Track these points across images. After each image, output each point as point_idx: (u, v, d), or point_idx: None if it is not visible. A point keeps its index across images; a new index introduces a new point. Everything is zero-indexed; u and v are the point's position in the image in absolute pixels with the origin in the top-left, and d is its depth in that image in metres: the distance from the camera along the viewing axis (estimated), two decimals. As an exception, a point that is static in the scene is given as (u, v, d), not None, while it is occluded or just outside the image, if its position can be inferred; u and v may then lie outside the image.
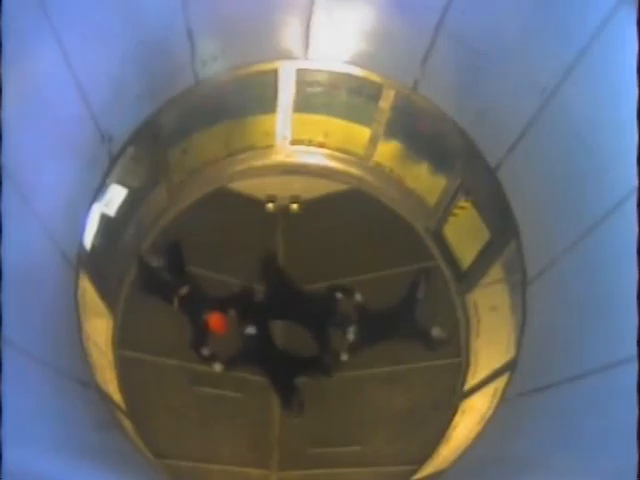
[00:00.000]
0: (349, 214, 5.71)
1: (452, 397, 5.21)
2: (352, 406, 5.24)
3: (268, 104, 5.36)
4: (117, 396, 4.88)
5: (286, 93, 5.26)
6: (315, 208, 5.75)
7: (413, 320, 5.36)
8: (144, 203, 5.27)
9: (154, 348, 5.20)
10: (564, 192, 3.85)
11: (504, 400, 4.37)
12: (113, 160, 4.58)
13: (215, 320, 5.24)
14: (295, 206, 5.76)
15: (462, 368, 5.27)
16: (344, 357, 5.29)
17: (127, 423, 4.76)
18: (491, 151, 4.57)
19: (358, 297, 5.38)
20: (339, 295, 5.41)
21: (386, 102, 5.13)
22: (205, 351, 5.26)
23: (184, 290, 5.31)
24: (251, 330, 5.29)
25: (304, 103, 5.39)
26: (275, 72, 5.04)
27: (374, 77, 4.96)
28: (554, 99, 3.74)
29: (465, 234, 5.31)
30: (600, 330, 3.36)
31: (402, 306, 5.39)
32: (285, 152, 5.81)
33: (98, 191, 4.55)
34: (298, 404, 5.19)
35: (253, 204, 5.72)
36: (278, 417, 5.27)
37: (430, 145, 5.25)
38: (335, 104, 5.39)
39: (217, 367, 5.25)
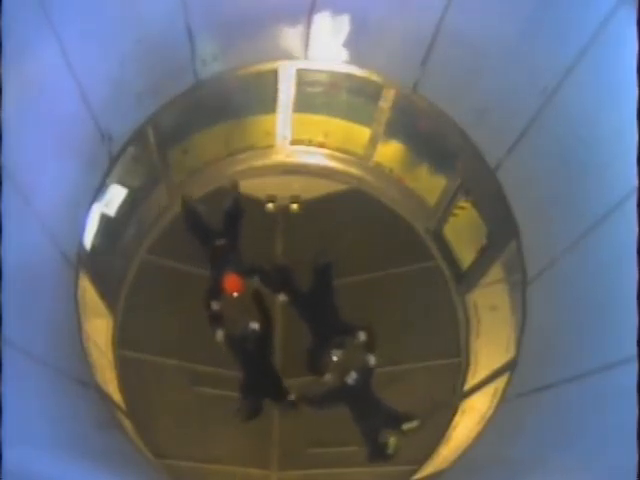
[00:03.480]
0: (349, 214, 5.72)
1: (452, 397, 5.21)
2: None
3: (268, 104, 5.37)
4: (117, 396, 4.88)
5: (286, 93, 5.27)
6: (315, 208, 5.75)
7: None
8: (144, 203, 5.27)
9: (154, 348, 5.20)
10: (564, 192, 3.85)
11: (504, 400, 4.37)
12: (113, 160, 4.59)
13: (231, 280, 5.28)
14: (295, 206, 5.77)
15: (462, 368, 5.27)
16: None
17: (127, 423, 4.76)
18: (491, 151, 4.57)
19: (372, 360, 5.28)
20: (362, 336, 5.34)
21: (386, 102, 5.14)
22: (215, 305, 5.32)
23: (221, 242, 5.37)
24: (254, 325, 5.29)
25: (304, 103, 5.39)
26: (275, 72, 5.04)
27: (374, 77, 4.96)
28: (554, 99, 3.75)
29: (465, 234, 5.31)
30: (600, 330, 3.36)
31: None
32: (285, 152, 5.82)
33: (98, 191, 4.55)
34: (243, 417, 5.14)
35: (253, 204, 5.72)
36: (278, 417, 5.27)
37: (430, 145, 5.25)
38: (335, 104, 5.39)
39: (219, 335, 5.28)
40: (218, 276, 5.34)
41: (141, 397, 5.05)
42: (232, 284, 5.29)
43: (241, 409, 5.12)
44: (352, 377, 5.19)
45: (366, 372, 5.23)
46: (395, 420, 5.12)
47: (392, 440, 5.10)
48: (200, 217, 5.55)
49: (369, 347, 5.30)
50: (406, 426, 5.09)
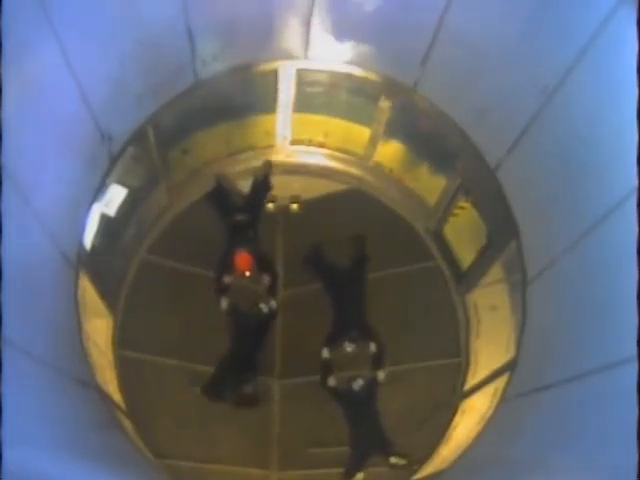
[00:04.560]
0: (349, 214, 5.72)
1: (452, 397, 5.21)
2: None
3: (268, 104, 5.37)
4: (117, 396, 4.88)
5: (286, 93, 5.27)
6: (315, 208, 5.75)
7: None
8: (144, 203, 5.27)
9: (154, 348, 5.20)
10: (564, 192, 3.85)
11: (504, 400, 4.37)
12: (113, 160, 4.59)
13: (242, 258, 5.30)
14: (295, 206, 5.77)
15: (462, 368, 5.27)
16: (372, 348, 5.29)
17: (127, 423, 4.76)
18: (491, 151, 4.57)
19: (381, 376, 5.27)
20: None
21: (386, 102, 5.14)
22: (227, 279, 5.35)
23: (241, 216, 5.41)
24: (264, 307, 5.32)
25: (304, 103, 5.39)
26: (275, 72, 5.04)
27: (374, 77, 4.96)
28: (554, 99, 3.75)
29: (465, 234, 5.31)
30: (600, 330, 3.36)
31: None
32: (285, 152, 5.82)
33: (98, 191, 4.55)
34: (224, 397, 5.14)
35: (253, 204, 5.72)
36: (278, 417, 5.27)
37: (430, 145, 5.25)
38: (335, 104, 5.39)
39: (223, 302, 5.31)
40: (231, 252, 5.37)
41: (141, 397, 5.05)
42: (243, 262, 5.31)
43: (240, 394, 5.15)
44: (358, 384, 5.18)
45: (372, 385, 5.22)
46: (387, 447, 5.08)
47: (359, 475, 5.05)
48: (226, 190, 5.60)
49: (378, 361, 5.28)
50: (394, 459, 5.04)
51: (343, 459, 5.13)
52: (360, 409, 5.17)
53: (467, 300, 5.36)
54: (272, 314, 5.38)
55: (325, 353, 5.30)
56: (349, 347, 5.30)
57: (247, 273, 5.34)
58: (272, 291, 5.45)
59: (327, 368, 5.27)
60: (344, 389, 5.22)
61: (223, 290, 5.37)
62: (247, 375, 5.20)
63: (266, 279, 5.44)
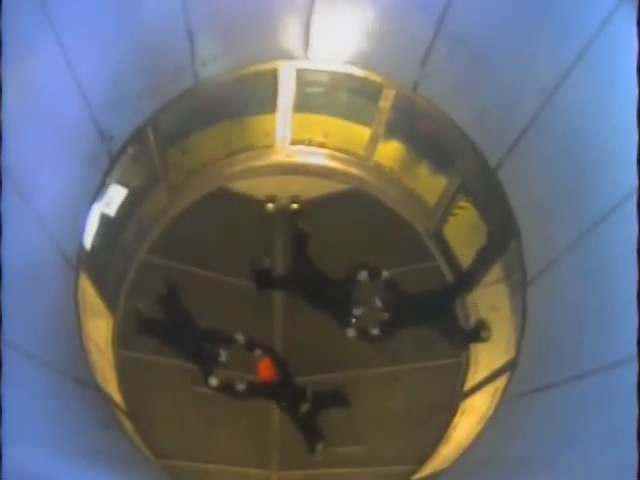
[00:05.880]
0: (349, 214, 5.71)
1: (452, 397, 5.21)
2: (352, 406, 5.23)
3: (268, 104, 5.36)
4: (117, 396, 4.88)
5: (286, 93, 5.27)
6: (315, 208, 5.75)
7: (449, 313, 5.32)
8: (144, 203, 5.27)
9: (154, 348, 5.20)
10: (564, 192, 3.85)
11: (504, 400, 4.37)
12: (113, 160, 4.59)
13: (265, 366, 5.18)
14: (295, 206, 5.76)
15: (462, 368, 5.27)
16: (375, 331, 5.26)
17: (127, 423, 4.76)
18: (491, 151, 4.57)
19: (385, 274, 5.31)
20: (363, 275, 5.39)
21: (386, 102, 5.14)
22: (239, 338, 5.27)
23: None
24: (239, 387, 5.19)
25: (304, 103, 5.39)
26: (275, 72, 5.04)
27: (374, 77, 4.96)
28: (554, 99, 3.75)
29: (465, 234, 5.31)
30: (600, 330, 3.36)
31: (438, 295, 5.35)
32: (285, 152, 5.81)
33: (98, 191, 4.55)
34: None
35: (253, 204, 5.71)
36: (278, 417, 5.27)
37: (430, 145, 5.25)
38: (335, 104, 5.39)
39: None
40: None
41: (141, 397, 5.05)
42: (266, 371, 5.18)
43: None
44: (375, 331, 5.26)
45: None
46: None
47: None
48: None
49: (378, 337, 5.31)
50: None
51: (343, 459, 5.14)
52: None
53: (467, 300, 5.36)
54: (234, 392, 5.19)
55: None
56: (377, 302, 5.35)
57: (264, 379, 5.15)
58: (253, 392, 5.24)
59: None
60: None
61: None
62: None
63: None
